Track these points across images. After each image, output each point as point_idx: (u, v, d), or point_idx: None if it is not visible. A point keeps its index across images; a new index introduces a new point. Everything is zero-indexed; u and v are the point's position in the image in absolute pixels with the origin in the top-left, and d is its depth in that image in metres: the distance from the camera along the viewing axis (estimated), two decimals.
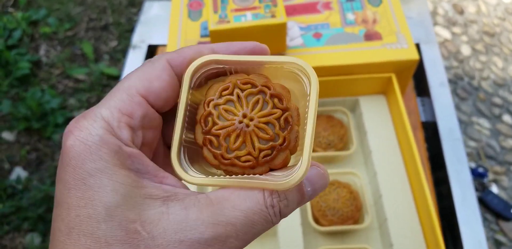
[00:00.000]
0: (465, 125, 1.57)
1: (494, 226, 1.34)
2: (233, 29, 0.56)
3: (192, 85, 0.24)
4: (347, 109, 0.67)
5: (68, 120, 1.64)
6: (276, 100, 0.23)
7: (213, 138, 0.23)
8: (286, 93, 0.24)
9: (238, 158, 0.23)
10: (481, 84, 1.68)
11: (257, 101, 0.23)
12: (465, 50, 1.78)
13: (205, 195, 0.23)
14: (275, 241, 0.57)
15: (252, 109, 0.23)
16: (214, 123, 0.23)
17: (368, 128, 0.64)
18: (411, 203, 0.57)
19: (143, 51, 0.84)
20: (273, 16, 0.56)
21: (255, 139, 0.23)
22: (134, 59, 0.83)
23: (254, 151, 0.23)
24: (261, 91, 0.23)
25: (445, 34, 1.82)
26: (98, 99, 1.71)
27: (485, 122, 1.57)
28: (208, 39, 0.64)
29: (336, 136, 0.64)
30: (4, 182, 1.46)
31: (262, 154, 0.23)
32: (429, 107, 0.76)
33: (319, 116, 0.66)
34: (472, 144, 1.51)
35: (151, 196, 0.22)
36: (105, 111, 0.23)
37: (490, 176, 1.42)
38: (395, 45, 0.63)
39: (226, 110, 0.23)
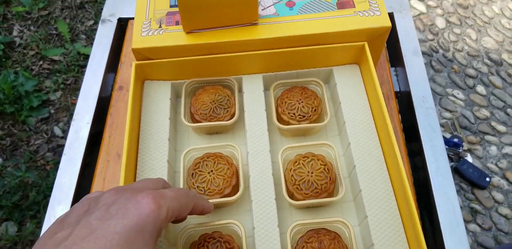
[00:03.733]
0: (440, 97, 1.59)
1: (470, 195, 1.38)
2: None
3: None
4: (321, 81, 0.67)
5: (43, 103, 1.59)
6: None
7: None
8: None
9: None
10: (455, 56, 1.70)
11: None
12: (440, 23, 1.79)
13: None
14: (250, 216, 0.57)
15: None
16: None
17: (342, 99, 0.64)
18: (385, 173, 0.57)
19: (113, 25, 0.82)
20: None
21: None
22: (102, 35, 0.81)
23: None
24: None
25: (420, 7, 1.82)
26: (75, 81, 1.66)
27: (459, 94, 1.59)
28: (177, 9, 0.62)
29: (310, 107, 0.64)
30: None
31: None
32: (403, 77, 0.77)
33: (294, 88, 0.66)
34: (447, 115, 1.53)
35: None
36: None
37: (465, 146, 1.46)
38: (368, 13, 0.62)
39: None
